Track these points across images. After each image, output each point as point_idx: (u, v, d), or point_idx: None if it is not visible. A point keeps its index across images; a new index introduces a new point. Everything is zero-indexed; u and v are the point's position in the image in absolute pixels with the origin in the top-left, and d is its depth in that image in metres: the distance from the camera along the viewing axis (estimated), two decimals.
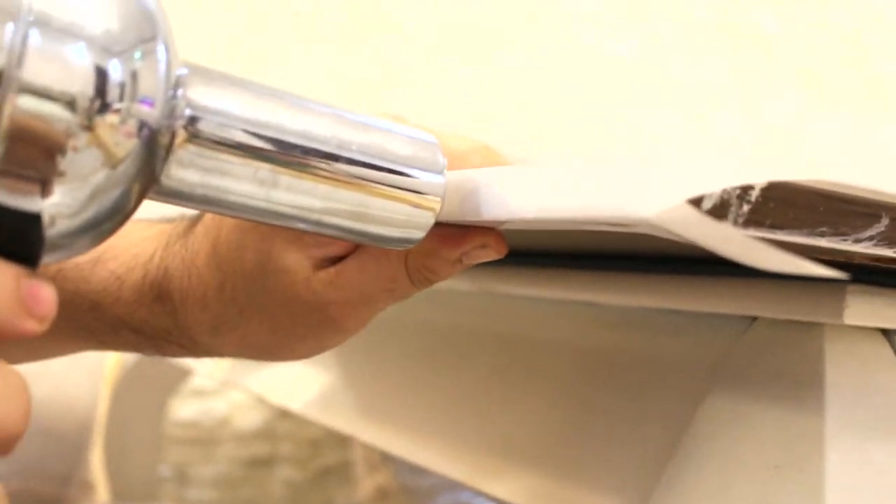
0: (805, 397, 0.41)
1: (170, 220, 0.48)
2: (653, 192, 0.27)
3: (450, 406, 0.63)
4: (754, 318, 0.46)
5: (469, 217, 0.36)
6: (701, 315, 0.49)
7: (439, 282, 0.42)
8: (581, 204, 0.31)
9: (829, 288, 0.41)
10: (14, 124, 0.27)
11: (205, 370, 0.92)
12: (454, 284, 0.62)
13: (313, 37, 1.43)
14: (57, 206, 0.29)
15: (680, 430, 0.45)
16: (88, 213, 0.30)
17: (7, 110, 0.27)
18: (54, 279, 0.46)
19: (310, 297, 0.42)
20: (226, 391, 1.29)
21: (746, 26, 1.86)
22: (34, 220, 0.29)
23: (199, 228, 0.45)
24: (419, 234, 0.38)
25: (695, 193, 0.26)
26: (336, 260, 0.42)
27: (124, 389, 1.06)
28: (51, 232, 0.29)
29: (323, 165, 0.34)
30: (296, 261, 0.42)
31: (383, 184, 0.36)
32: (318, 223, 0.36)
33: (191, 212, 0.46)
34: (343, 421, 0.74)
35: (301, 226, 0.36)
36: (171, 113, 0.31)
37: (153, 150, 0.30)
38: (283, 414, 1.29)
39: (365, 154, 0.35)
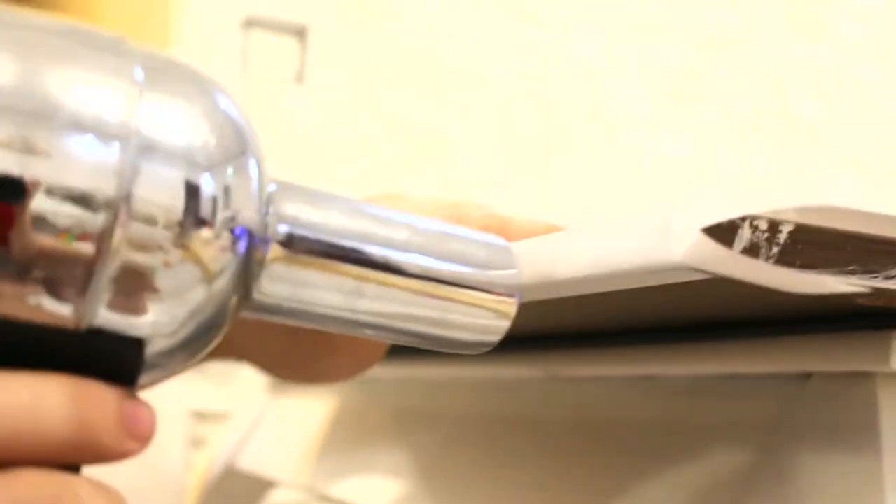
0: (862, 445, 0.42)
1: None
2: (678, 235, 0.29)
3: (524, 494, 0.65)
4: (808, 376, 0.47)
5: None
6: (741, 378, 0.51)
7: None
8: (611, 257, 0.33)
9: (877, 338, 0.43)
10: (125, 252, 0.27)
11: (288, 477, 0.93)
12: (518, 371, 0.64)
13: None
14: (154, 325, 0.29)
15: (734, 491, 0.47)
16: (186, 332, 0.30)
17: (118, 239, 0.27)
18: None
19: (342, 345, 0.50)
20: None
21: (786, 115, 1.89)
22: (136, 343, 0.29)
23: None
24: (495, 338, 0.38)
25: (710, 222, 0.29)
26: None
27: None
28: (148, 352, 0.29)
29: (405, 274, 0.35)
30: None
31: (462, 287, 0.36)
32: (399, 331, 0.36)
33: None
34: None
35: (383, 334, 0.36)
36: (263, 227, 0.31)
37: (248, 264, 0.31)
38: None
39: (444, 261, 0.36)
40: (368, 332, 0.36)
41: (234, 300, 0.31)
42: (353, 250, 0.33)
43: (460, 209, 0.47)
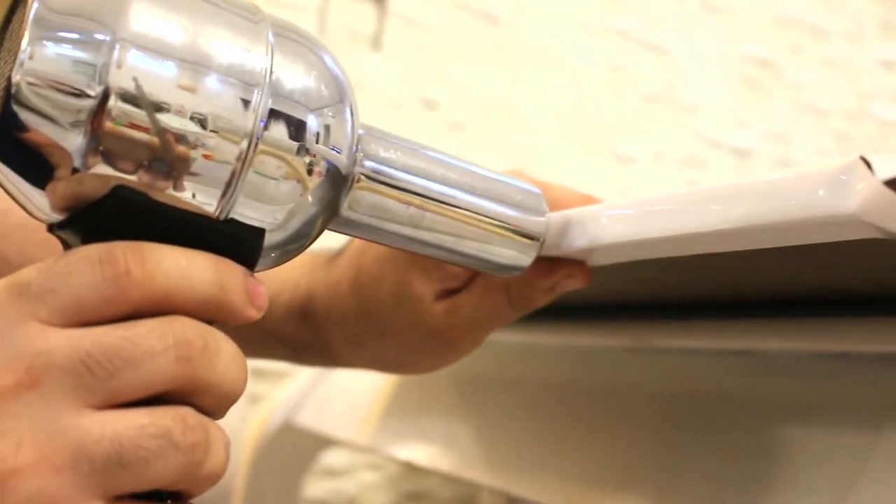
0: None
1: (311, 253, 0.53)
2: (853, 186, 0.28)
3: (565, 450, 0.63)
4: None
5: (566, 248, 0.45)
6: (854, 357, 0.49)
7: (536, 307, 0.50)
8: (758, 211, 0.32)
9: None
10: (256, 166, 0.35)
11: (348, 436, 0.93)
12: (609, 341, 0.63)
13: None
14: (271, 221, 0.37)
15: (848, 476, 0.45)
16: (291, 229, 0.37)
17: (251, 158, 0.35)
18: None
19: (431, 323, 0.52)
20: (356, 472, 1.29)
21: (862, 114, 1.85)
22: (261, 233, 0.37)
23: (343, 260, 0.55)
24: (526, 262, 0.46)
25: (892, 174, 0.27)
26: (453, 293, 0.51)
27: (260, 465, 1.07)
28: (265, 241, 0.37)
29: (456, 206, 0.43)
30: (424, 291, 0.51)
31: (499, 221, 0.45)
32: (448, 250, 0.44)
33: (334, 247, 0.57)
34: (476, 472, 0.75)
35: (434, 252, 0.44)
36: (352, 160, 0.39)
37: (337, 188, 0.38)
38: (412, 496, 1.28)
39: (487, 199, 0.44)
40: (424, 249, 0.44)
41: (322, 215, 0.39)
42: (419, 184, 0.42)
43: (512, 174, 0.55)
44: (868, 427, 0.47)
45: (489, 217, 0.44)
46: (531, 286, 0.49)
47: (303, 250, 0.39)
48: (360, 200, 0.40)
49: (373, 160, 0.41)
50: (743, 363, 0.54)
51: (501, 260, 0.46)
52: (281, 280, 0.57)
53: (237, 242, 0.36)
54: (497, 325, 0.51)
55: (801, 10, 1.81)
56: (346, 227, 0.41)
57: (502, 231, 0.45)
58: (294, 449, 1.07)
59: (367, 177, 0.40)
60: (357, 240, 0.53)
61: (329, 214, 0.39)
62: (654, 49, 1.67)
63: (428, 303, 0.51)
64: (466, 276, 0.51)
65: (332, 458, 1.29)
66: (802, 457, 0.49)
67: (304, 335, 0.56)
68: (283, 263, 0.39)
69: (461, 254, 0.44)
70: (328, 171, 0.37)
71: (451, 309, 0.51)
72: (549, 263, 0.48)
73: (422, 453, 0.82)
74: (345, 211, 0.40)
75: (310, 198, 0.37)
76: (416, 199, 0.42)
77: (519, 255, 0.46)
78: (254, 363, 1.18)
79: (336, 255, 0.56)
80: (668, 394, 0.60)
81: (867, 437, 0.46)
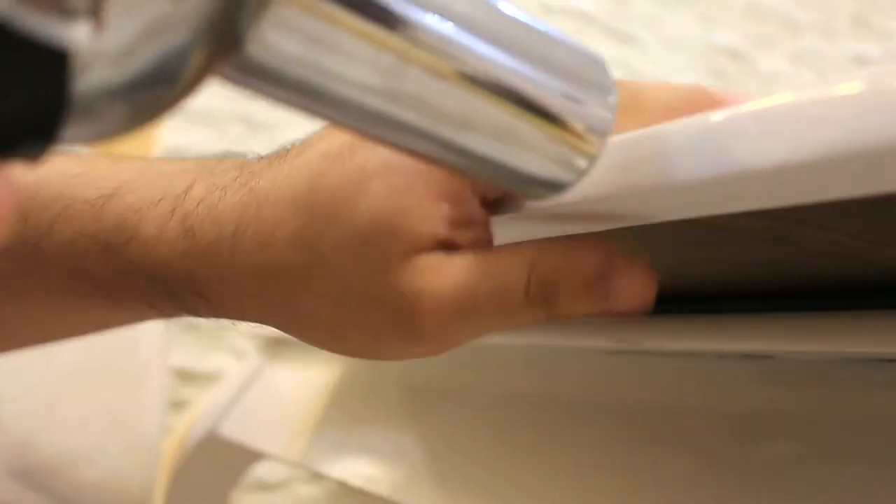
0: None
1: (207, 158, 0.40)
2: None
3: (529, 469, 0.54)
4: None
5: (653, 179, 0.27)
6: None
7: (559, 312, 0.33)
8: None
9: None
10: None
11: (278, 450, 0.83)
12: (581, 341, 0.52)
13: None
14: (90, 39, 0.19)
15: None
16: (136, 64, 0.21)
17: None
18: (59, 216, 0.38)
19: (404, 281, 0.33)
20: (291, 485, 1.21)
21: None
22: (58, 58, 0.19)
23: (291, 161, 0.37)
24: (570, 177, 0.29)
25: None
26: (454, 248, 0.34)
27: (183, 476, 0.98)
28: (81, 84, 0.20)
29: (465, 62, 0.26)
30: (417, 227, 0.33)
31: (536, 101, 0.28)
32: (445, 142, 0.27)
33: None
34: (423, 494, 0.65)
35: (413, 143, 0.27)
36: None
37: None
38: None
39: (518, 57, 0.27)
40: (395, 135, 0.27)
41: (209, 41, 0.22)
42: (401, 13, 0.24)
43: None
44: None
45: (520, 88, 0.27)
46: (565, 271, 0.32)
47: (166, 109, 0.23)
48: (288, 26, 0.23)
49: None
50: (752, 369, 0.44)
51: (531, 166, 0.29)
52: (157, 187, 0.38)
53: (18, 75, 0.19)
54: (498, 317, 0.34)
55: (772, 1, 1.74)
56: (257, 75, 0.24)
57: (541, 116, 0.28)
58: (220, 462, 0.97)
59: None
60: (325, 140, 0.36)
61: (219, 47, 0.22)
62: (619, 36, 1.59)
63: (413, 247, 0.33)
64: (483, 228, 0.34)
65: (265, 469, 1.20)
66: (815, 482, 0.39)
67: (185, 261, 0.37)
68: (126, 131, 0.23)
69: (464, 150, 0.28)
70: None
71: (441, 273, 0.33)
72: (601, 247, 0.31)
73: (360, 471, 0.73)
74: (253, 43, 0.23)
75: (181, 8, 0.21)
76: (395, 39, 0.25)
77: (562, 162, 0.29)
78: (180, 363, 1.07)
79: (271, 155, 0.38)
80: (654, 404, 0.50)
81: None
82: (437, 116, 0.27)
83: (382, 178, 0.33)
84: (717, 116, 0.27)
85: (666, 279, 0.40)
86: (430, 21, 0.25)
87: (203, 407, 0.98)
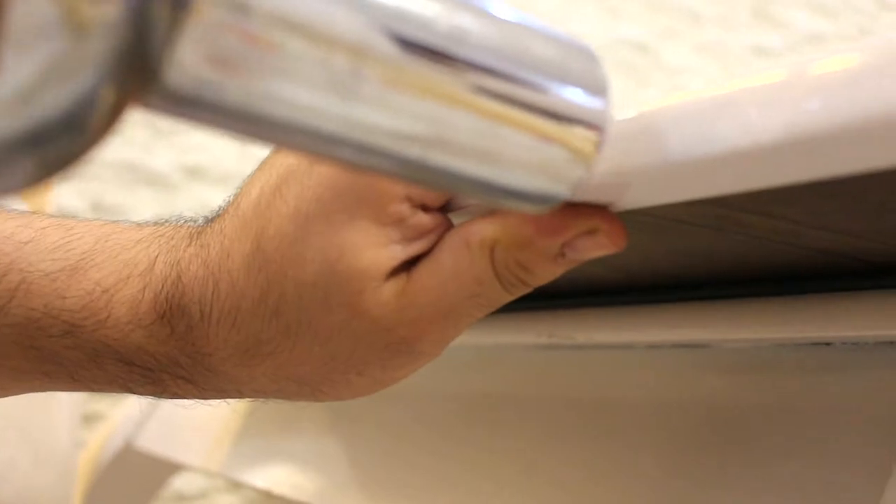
0: None
1: (161, 224, 0.38)
2: None
3: (459, 472, 0.53)
4: None
5: (622, 172, 0.26)
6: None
7: (537, 284, 0.32)
8: None
9: None
10: None
11: (198, 461, 0.80)
12: (512, 337, 0.51)
13: None
14: None
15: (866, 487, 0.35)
16: (36, 111, 0.19)
17: None
18: (15, 292, 0.35)
19: (378, 312, 0.32)
20: (211, 495, 1.18)
21: None
22: None
23: (231, 222, 0.34)
24: (562, 190, 0.27)
25: None
26: (411, 264, 0.32)
27: (99, 491, 0.94)
28: None
29: (433, 68, 0.23)
30: (374, 262, 0.31)
31: (520, 104, 0.25)
32: (417, 164, 0.24)
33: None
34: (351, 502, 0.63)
35: (388, 166, 0.24)
36: None
37: (147, 17, 0.19)
38: None
39: (496, 56, 0.24)
40: (354, 157, 0.24)
41: (118, 76, 0.19)
42: (345, 15, 0.21)
43: None
44: (858, 436, 0.37)
45: (499, 93, 0.24)
46: (529, 248, 0.30)
47: (77, 158, 0.20)
48: (208, 45, 0.20)
49: None
50: (694, 358, 0.43)
51: (519, 181, 0.26)
52: (120, 261, 0.36)
53: None
54: (477, 311, 0.32)
55: None
56: (183, 105, 0.21)
57: (525, 123, 0.25)
58: (137, 475, 0.94)
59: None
60: (257, 185, 0.34)
61: (132, 82, 0.19)
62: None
63: (375, 282, 0.32)
64: (437, 231, 0.32)
65: (183, 480, 1.17)
66: (766, 475, 0.39)
67: (164, 347, 0.35)
68: (34, 186, 0.20)
69: (441, 171, 0.25)
70: None
71: (406, 289, 0.32)
72: (557, 212, 0.29)
73: (284, 480, 0.71)
74: (172, 74, 0.20)
75: (77, 38, 0.18)
76: (344, 37, 0.21)
77: (553, 173, 0.26)
78: None
79: (214, 218, 0.36)
80: (589, 399, 0.49)
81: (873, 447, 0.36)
82: (400, 133, 0.24)
83: (320, 219, 0.32)
84: (654, 106, 0.26)
85: (597, 271, 0.39)
86: (393, 22, 0.22)
87: (118, 418, 0.95)
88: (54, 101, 0.19)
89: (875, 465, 0.35)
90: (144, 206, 1.24)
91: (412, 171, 0.25)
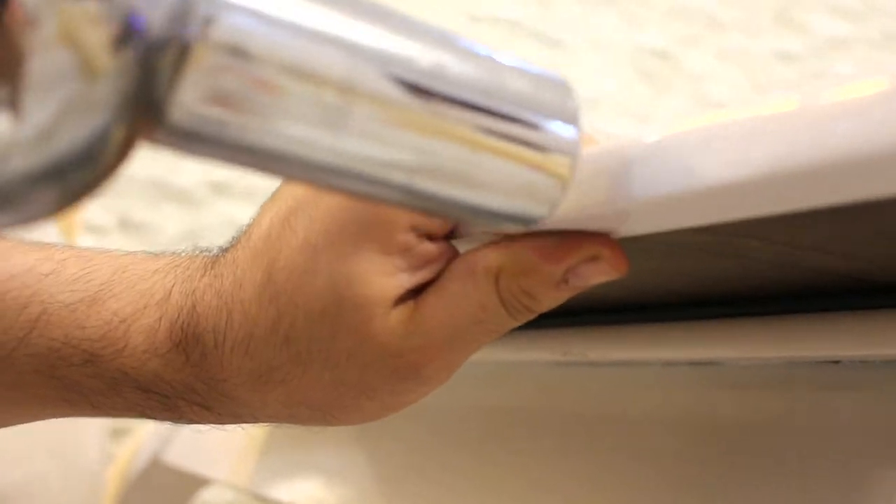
0: None
1: (177, 254, 0.39)
2: None
3: (483, 486, 0.53)
4: None
5: (618, 202, 0.27)
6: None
7: (542, 311, 0.33)
8: None
9: None
10: None
11: (224, 475, 0.81)
12: (528, 354, 0.52)
13: None
14: (12, 131, 0.20)
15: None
16: (55, 148, 0.21)
17: None
18: (36, 323, 0.37)
19: (386, 339, 0.33)
20: None
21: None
22: None
23: (243, 253, 0.36)
24: (542, 210, 0.29)
25: None
26: (418, 292, 0.33)
27: (129, 503, 0.96)
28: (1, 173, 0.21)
29: (414, 101, 0.25)
30: (382, 290, 0.33)
31: (497, 134, 0.27)
32: (405, 190, 0.26)
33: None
34: None
35: (381, 192, 0.26)
36: (185, 9, 0.21)
37: (156, 64, 0.21)
38: None
39: (472, 89, 0.26)
40: (347, 184, 0.26)
41: (128, 115, 0.21)
42: (334, 57, 0.23)
43: None
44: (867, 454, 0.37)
45: (476, 123, 0.26)
46: (533, 275, 0.31)
47: (92, 189, 0.22)
48: (209, 87, 0.22)
49: (224, 7, 0.22)
50: (705, 376, 0.44)
51: (497, 202, 0.28)
52: (137, 292, 0.37)
53: None
54: (483, 336, 0.34)
55: (695, 0, 1.76)
56: (186, 140, 0.23)
57: (502, 149, 0.27)
58: (165, 490, 0.95)
59: (218, 39, 0.22)
60: (267, 217, 0.36)
61: (140, 120, 0.22)
62: (545, 40, 1.59)
63: (383, 309, 0.33)
64: (443, 260, 0.33)
65: (210, 494, 1.18)
66: (776, 493, 0.39)
67: (180, 374, 0.36)
68: (53, 215, 0.23)
69: (425, 195, 0.27)
70: (133, 34, 0.21)
71: (414, 316, 0.33)
72: (561, 240, 0.31)
73: (310, 494, 0.72)
74: (176, 113, 0.22)
75: (90, 83, 0.21)
76: (332, 82, 0.24)
77: (530, 195, 0.28)
78: None
79: (228, 249, 0.37)
80: (607, 415, 0.49)
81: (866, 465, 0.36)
82: (386, 162, 0.26)
83: (328, 250, 0.33)
84: (652, 137, 0.27)
85: (610, 291, 0.39)
86: (374, 62, 0.24)
87: (146, 433, 0.96)
88: (71, 138, 0.21)
89: (885, 483, 0.35)
90: (170, 221, 1.26)
91: (403, 197, 0.27)
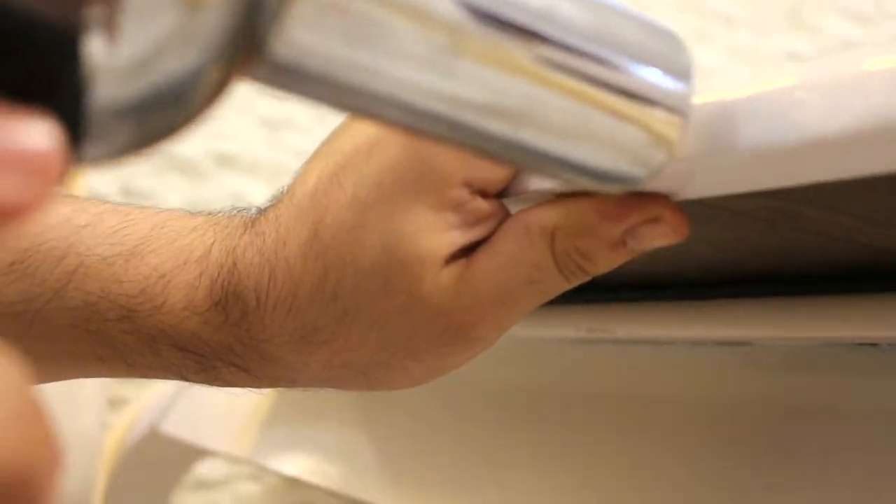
0: None
1: (214, 213, 0.38)
2: None
3: (490, 466, 0.53)
4: None
5: (688, 161, 0.26)
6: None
7: (597, 273, 0.32)
8: None
9: None
10: None
11: (223, 447, 0.80)
12: (548, 331, 0.51)
13: None
14: (107, 54, 0.18)
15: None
16: (150, 80, 0.19)
17: None
18: (73, 275, 0.36)
19: (437, 298, 0.32)
20: (232, 483, 1.18)
21: None
22: (70, 61, 0.17)
23: (286, 210, 0.35)
24: (641, 172, 0.27)
25: None
26: (469, 250, 0.33)
27: (124, 475, 0.95)
28: (95, 99, 0.18)
29: (527, 48, 0.24)
30: (434, 247, 0.32)
31: (608, 86, 0.25)
32: (505, 139, 0.25)
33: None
34: (375, 491, 0.63)
35: (483, 143, 0.25)
36: None
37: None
38: None
39: (584, 36, 0.25)
40: (445, 131, 0.25)
41: (227, 51, 0.20)
42: None
43: None
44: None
45: (590, 74, 0.25)
46: (590, 236, 0.30)
47: (184, 126, 0.21)
48: (315, 19, 0.21)
49: None
50: (735, 356, 0.43)
51: (602, 160, 0.27)
52: (176, 248, 0.37)
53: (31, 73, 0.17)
54: (535, 298, 0.33)
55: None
56: (286, 76, 0.22)
57: (612, 105, 0.26)
58: (161, 460, 0.95)
59: None
60: (313, 174, 0.35)
61: (240, 56, 0.20)
62: None
63: (434, 267, 0.32)
64: (496, 218, 0.32)
65: (206, 467, 1.17)
66: (806, 477, 0.39)
67: (218, 334, 0.35)
68: (137, 151, 0.21)
69: (529, 148, 0.26)
70: None
71: (465, 274, 0.32)
72: (620, 200, 0.30)
73: (311, 468, 0.71)
74: (278, 47, 0.21)
75: (197, 21, 0.19)
76: (441, 20, 0.22)
77: (634, 155, 0.27)
78: None
79: (268, 207, 0.36)
80: (626, 394, 0.49)
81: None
82: (490, 110, 0.24)
83: (379, 205, 0.32)
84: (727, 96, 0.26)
85: (646, 264, 0.39)
86: (489, 4, 0.23)
87: (145, 402, 0.95)
88: (165, 72, 0.19)
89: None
90: (173, 192, 1.25)
91: (499, 147, 0.26)
